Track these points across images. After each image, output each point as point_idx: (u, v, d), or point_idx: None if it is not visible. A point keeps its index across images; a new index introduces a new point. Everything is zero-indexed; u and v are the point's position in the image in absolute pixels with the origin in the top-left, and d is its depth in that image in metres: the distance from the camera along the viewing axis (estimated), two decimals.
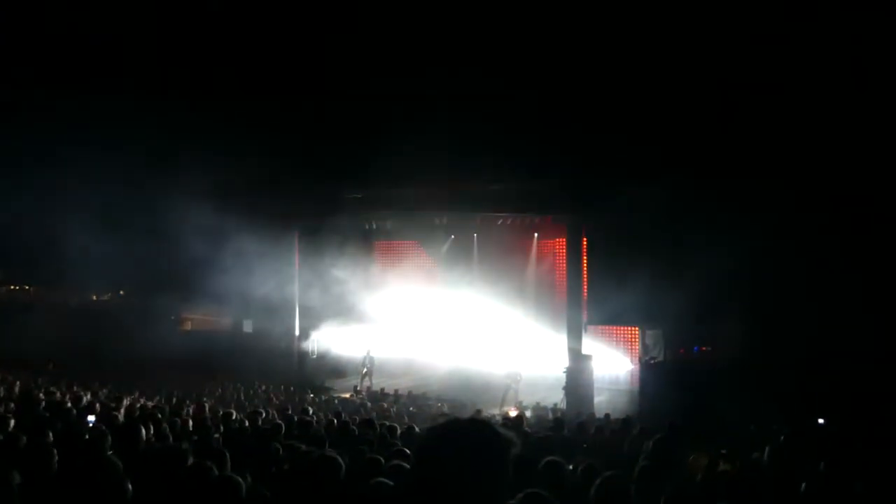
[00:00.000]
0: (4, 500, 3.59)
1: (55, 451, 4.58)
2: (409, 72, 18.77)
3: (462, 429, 1.76)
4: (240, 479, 3.79)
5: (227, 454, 4.91)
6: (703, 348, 18.57)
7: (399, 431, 8.65)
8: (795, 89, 16.52)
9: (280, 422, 9.17)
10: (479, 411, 16.65)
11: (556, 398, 19.35)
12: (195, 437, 7.17)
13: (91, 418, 9.56)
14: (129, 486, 3.65)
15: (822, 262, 16.24)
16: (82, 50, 20.09)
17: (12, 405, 10.46)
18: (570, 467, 5.48)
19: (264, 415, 10.94)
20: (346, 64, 19.83)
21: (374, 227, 23.46)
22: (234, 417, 9.42)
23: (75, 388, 14.59)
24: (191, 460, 4.29)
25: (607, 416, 14.93)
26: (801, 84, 16.38)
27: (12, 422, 7.83)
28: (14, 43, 19.83)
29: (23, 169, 20.86)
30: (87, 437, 6.47)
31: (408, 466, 4.45)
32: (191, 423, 9.10)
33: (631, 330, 19.75)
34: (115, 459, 4.62)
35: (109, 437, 5.77)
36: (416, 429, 9.34)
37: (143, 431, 6.45)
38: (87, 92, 19.97)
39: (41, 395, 12.43)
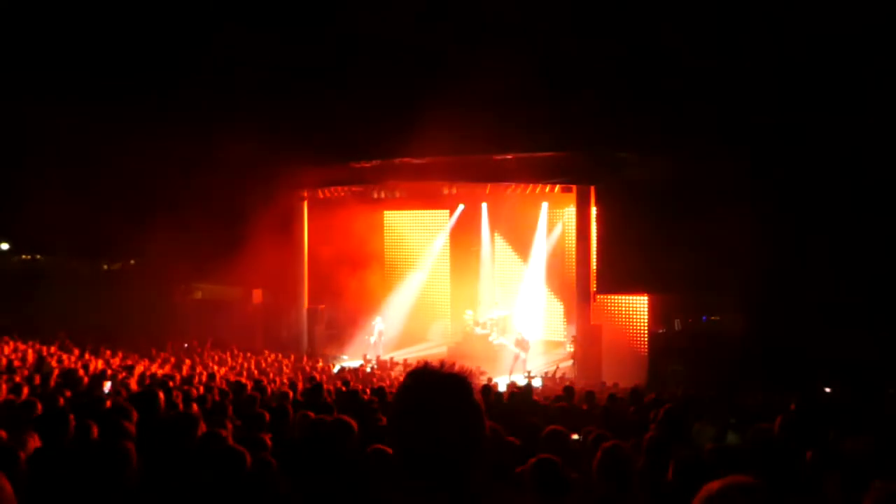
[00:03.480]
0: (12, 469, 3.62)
1: (71, 419, 4.63)
2: (418, 40, 18.55)
3: (428, 373, 1.77)
4: (244, 451, 3.80)
5: (238, 424, 4.93)
6: (713, 318, 18.56)
7: None
8: (813, 58, 16.27)
9: (290, 390, 9.26)
10: (489, 379, 16.75)
11: (565, 367, 19.44)
12: (207, 406, 7.23)
13: (107, 385, 9.70)
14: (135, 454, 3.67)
15: (834, 231, 16.12)
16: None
17: (26, 373, 10.58)
18: (577, 437, 5.51)
19: (275, 384, 11.04)
20: (356, 31, 19.62)
21: (383, 195, 23.41)
22: (244, 386, 9.50)
23: (87, 357, 14.75)
24: (200, 429, 4.32)
25: (616, 385, 15.00)
26: (818, 52, 16.12)
27: (25, 389, 7.94)
28: None
29: (29, 138, 20.87)
30: (106, 404, 6.55)
31: None
32: (202, 391, 9.20)
33: (639, 298, 19.70)
34: (131, 428, 4.67)
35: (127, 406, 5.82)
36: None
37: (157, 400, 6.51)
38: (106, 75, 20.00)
39: (55, 363, 12.59)
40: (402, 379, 1.86)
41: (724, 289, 17.51)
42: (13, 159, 21.09)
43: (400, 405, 1.76)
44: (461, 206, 24.26)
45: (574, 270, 20.27)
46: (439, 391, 1.72)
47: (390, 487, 3.76)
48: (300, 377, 14.31)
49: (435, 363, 1.78)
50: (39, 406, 5.89)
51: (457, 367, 1.79)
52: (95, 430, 4.68)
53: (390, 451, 4.07)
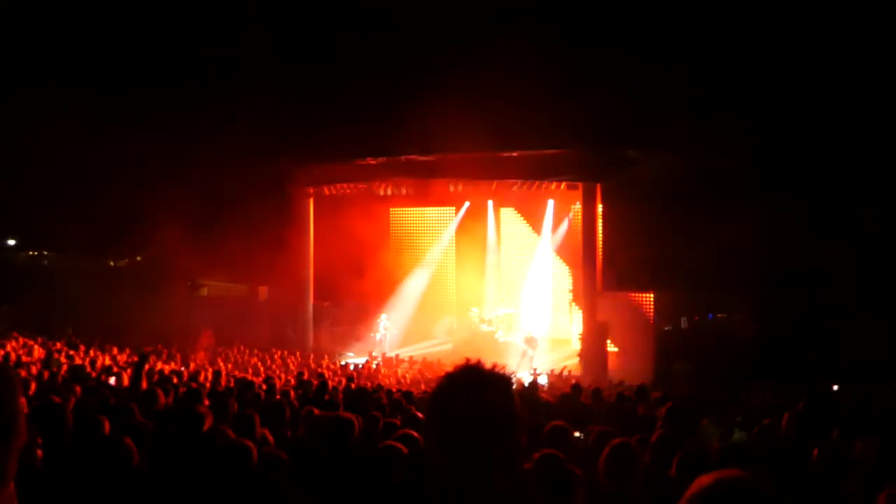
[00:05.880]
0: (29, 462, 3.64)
1: (73, 416, 4.64)
2: (427, 38, 18.54)
3: (471, 373, 1.73)
4: (250, 445, 3.80)
5: (255, 418, 4.91)
6: (719, 315, 18.51)
7: (414, 397, 8.71)
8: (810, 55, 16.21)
9: (296, 387, 9.27)
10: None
11: (571, 364, 19.41)
12: (213, 403, 7.24)
13: (112, 380, 9.72)
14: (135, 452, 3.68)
15: (841, 229, 16.06)
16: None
17: (34, 369, 10.63)
18: (579, 434, 5.49)
19: (281, 380, 11.06)
20: (365, 28, 19.62)
21: (390, 192, 23.41)
22: (250, 383, 9.52)
23: (93, 352, 14.80)
24: (206, 425, 4.31)
25: (622, 382, 14.96)
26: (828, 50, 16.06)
27: (33, 385, 7.97)
28: None
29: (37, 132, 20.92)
30: (112, 400, 6.57)
31: (416, 435, 4.45)
32: (209, 387, 9.21)
33: (646, 296, 19.65)
34: (141, 424, 4.68)
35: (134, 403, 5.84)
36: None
37: (161, 395, 6.54)
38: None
39: (63, 359, 12.64)
40: (412, 376, 1.83)
41: (731, 286, 17.45)
42: (18, 156, 21.15)
43: (437, 397, 1.73)
44: (467, 203, 24.23)
45: (580, 268, 20.24)
46: (478, 389, 1.68)
47: (411, 482, 3.76)
48: (306, 374, 14.31)
49: (485, 363, 1.75)
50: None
51: (507, 373, 1.75)
52: (107, 426, 4.68)
53: (404, 448, 4.08)
